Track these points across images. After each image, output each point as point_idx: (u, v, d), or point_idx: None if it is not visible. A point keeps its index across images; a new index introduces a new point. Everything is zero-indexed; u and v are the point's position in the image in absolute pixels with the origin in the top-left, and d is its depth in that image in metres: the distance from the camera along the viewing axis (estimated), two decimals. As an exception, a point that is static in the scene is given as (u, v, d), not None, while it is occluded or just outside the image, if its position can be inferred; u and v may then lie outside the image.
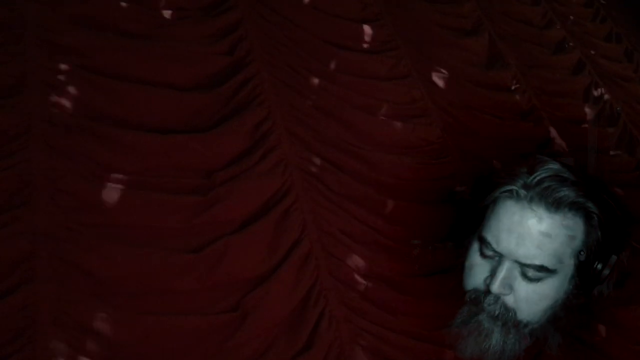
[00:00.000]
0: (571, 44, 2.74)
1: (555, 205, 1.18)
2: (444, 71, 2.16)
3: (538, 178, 1.19)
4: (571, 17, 2.65)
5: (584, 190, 1.21)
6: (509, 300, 1.22)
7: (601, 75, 2.68)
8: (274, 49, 1.79)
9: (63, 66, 1.43)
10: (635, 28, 3.29)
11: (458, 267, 1.38)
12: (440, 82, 2.11)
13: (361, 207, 1.63)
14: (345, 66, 1.93)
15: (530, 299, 1.22)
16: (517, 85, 2.31)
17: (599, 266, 1.22)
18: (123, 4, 1.60)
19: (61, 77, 1.41)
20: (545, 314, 1.25)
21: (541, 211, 1.18)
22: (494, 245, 1.21)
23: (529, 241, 1.18)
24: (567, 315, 1.27)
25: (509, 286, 1.21)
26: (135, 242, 1.33)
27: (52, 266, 1.21)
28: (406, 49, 2.11)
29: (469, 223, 1.34)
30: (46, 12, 1.48)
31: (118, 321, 1.22)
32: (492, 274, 1.22)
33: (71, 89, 1.42)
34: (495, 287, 1.20)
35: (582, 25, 2.99)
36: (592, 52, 2.81)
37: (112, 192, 1.35)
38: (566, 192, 1.18)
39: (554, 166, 1.22)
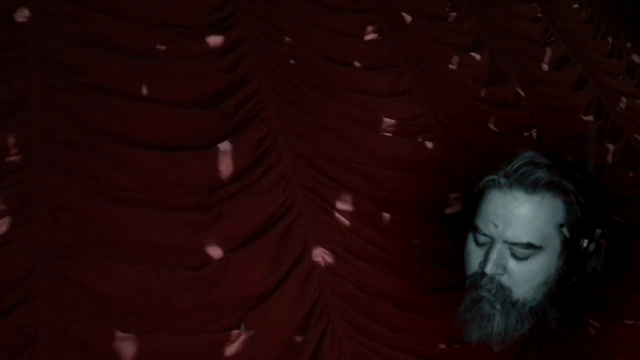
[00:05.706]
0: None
1: (532, 187, 1.30)
2: (445, 87, 2.16)
3: (515, 166, 1.33)
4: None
5: (558, 170, 1.33)
6: (504, 279, 1.31)
7: (603, 91, 2.68)
8: (275, 66, 1.80)
9: (65, 84, 1.44)
10: (636, 44, 3.30)
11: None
12: (441, 98, 2.11)
13: (363, 224, 1.62)
14: (347, 82, 1.94)
15: (523, 277, 1.31)
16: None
17: (585, 242, 1.32)
18: (124, 21, 1.61)
19: (63, 95, 1.42)
20: (540, 291, 1.33)
21: (521, 194, 1.31)
22: (484, 230, 1.33)
23: (514, 222, 1.30)
24: (562, 291, 1.35)
25: (502, 267, 1.31)
26: (137, 260, 1.32)
27: (52, 284, 1.20)
28: (407, 65, 2.12)
29: (463, 216, 1.44)
30: (49, 31, 1.49)
31: (119, 339, 1.22)
32: (485, 257, 1.32)
33: (73, 107, 1.42)
34: (489, 269, 1.30)
35: (584, 42, 3.00)
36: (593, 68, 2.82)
37: (113, 210, 1.34)
38: (540, 174, 1.30)
39: (529, 154, 1.35)
